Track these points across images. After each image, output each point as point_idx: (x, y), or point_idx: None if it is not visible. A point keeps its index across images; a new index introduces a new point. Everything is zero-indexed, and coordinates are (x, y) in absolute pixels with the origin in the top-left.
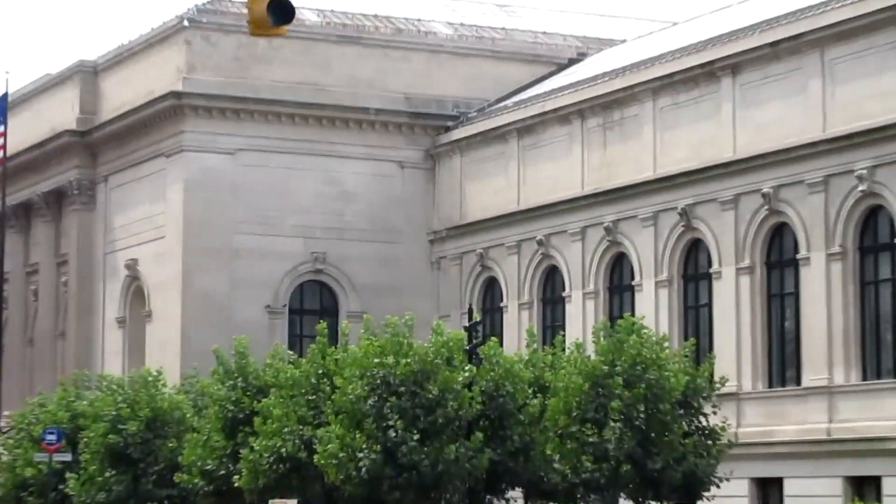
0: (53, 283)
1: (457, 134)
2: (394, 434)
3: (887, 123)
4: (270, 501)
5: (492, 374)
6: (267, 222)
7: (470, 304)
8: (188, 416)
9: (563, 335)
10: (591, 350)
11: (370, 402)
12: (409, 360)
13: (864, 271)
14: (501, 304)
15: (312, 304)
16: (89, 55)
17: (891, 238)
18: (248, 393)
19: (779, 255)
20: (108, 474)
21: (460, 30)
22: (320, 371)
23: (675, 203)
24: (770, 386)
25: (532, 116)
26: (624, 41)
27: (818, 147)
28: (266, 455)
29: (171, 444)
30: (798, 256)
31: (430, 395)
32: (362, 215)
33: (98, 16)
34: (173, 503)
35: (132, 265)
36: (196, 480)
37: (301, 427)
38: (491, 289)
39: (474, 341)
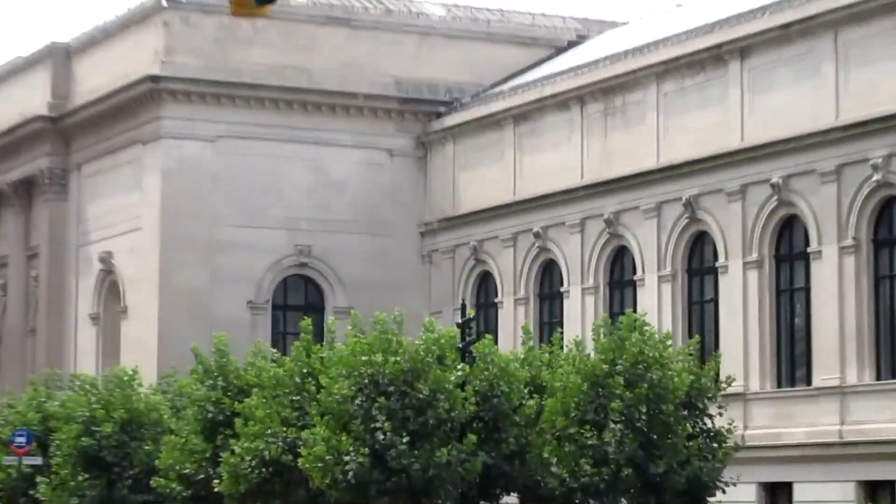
0: (23, 278)
1: (450, 120)
2: (382, 436)
3: None
4: None
5: (486, 373)
6: (249, 213)
7: (463, 300)
8: (165, 417)
9: (561, 332)
10: (590, 348)
11: (357, 402)
12: (398, 359)
13: (879, 265)
14: (496, 300)
15: (297, 300)
16: (62, 37)
17: None
18: (229, 393)
19: (788, 249)
20: (80, 479)
21: (454, 11)
22: (305, 370)
23: (679, 194)
24: (779, 386)
25: (529, 102)
26: (626, 23)
27: (831, 135)
28: (248, 458)
29: (147, 447)
30: (809, 250)
31: (421, 396)
32: (349, 206)
33: None
34: None
35: (107, 258)
36: (174, 485)
37: (285, 429)
38: (485, 284)
39: (467, 339)
